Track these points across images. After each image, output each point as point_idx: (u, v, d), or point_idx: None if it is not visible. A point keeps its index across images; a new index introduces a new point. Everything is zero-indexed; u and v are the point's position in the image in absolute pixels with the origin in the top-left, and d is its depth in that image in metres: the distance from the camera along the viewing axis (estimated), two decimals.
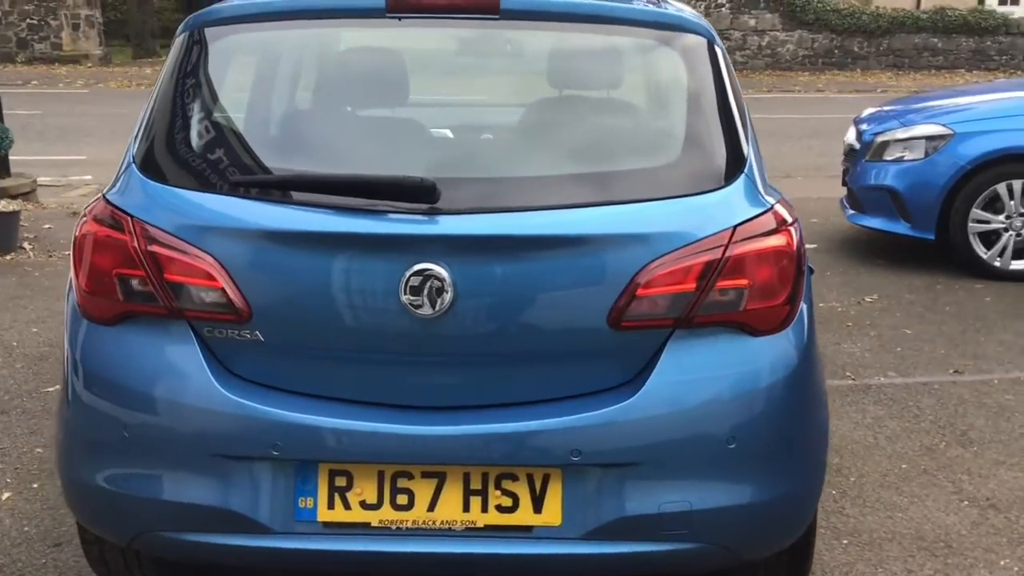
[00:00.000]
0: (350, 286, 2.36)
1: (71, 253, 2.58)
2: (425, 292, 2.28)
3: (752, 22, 23.11)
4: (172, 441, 2.41)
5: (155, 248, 2.39)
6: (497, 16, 2.52)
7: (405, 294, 2.29)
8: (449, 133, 2.93)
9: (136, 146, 2.57)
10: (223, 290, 2.35)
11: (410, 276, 2.29)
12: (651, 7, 2.73)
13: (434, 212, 2.32)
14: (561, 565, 2.40)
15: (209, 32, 2.65)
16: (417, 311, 2.29)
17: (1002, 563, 3.21)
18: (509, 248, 2.34)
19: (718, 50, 2.65)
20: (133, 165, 2.54)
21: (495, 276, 2.33)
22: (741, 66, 22.66)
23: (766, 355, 2.42)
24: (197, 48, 2.65)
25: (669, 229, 2.37)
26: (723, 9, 23.24)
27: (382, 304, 2.33)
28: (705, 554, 2.45)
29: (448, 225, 2.33)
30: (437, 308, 2.29)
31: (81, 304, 2.50)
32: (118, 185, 2.55)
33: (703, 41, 2.62)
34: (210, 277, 2.35)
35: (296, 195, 2.40)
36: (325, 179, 2.42)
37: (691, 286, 2.34)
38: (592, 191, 2.44)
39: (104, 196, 2.55)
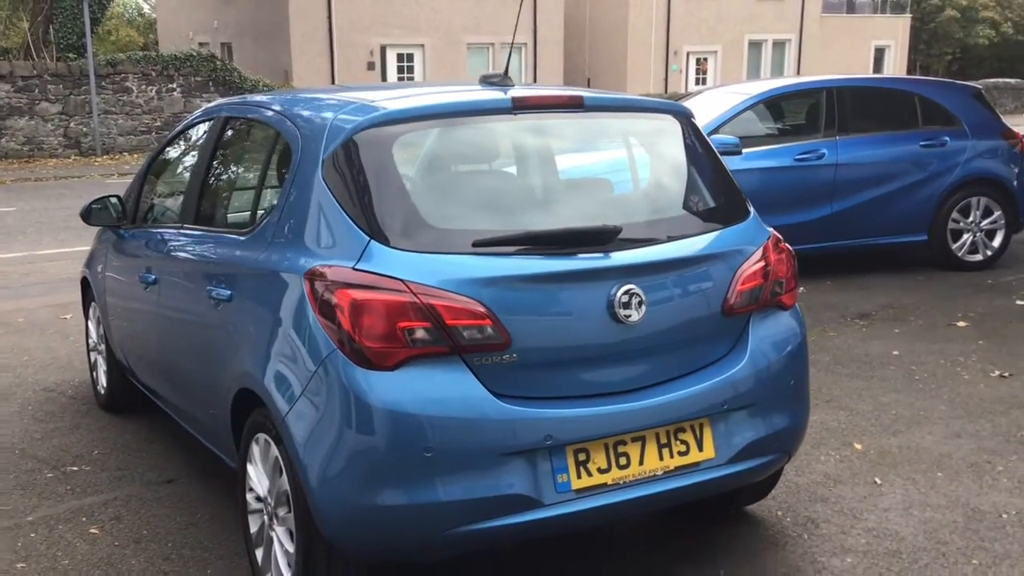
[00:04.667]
0: (576, 307, 3.19)
1: (323, 317, 3.04)
2: (633, 305, 3.22)
3: (205, 105, 23.89)
4: (466, 450, 3.02)
5: (434, 301, 3.01)
6: (582, 109, 3.55)
7: (619, 308, 3.20)
8: (602, 190, 3.82)
9: (373, 225, 3.12)
10: (492, 325, 3.06)
11: (620, 295, 3.20)
12: (663, 101, 3.88)
13: (621, 247, 3.27)
14: (717, 484, 3.44)
15: (389, 130, 3.28)
16: (628, 320, 3.21)
17: None
18: (667, 267, 3.36)
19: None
20: (374, 241, 3.09)
21: (663, 287, 3.34)
22: None
23: (794, 323, 3.70)
24: (379, 146, 3.26)
25: (743, 245, 3.56)
26: (175, 94, 23.70)
27: (601, 317, 3.20)
28: (782, 460, 3.65)
29: (635, 256, 3.29)
30: (640, 316, 3.23)
31: (359, 355, 2.98)
32: (364, 257, 3.07)
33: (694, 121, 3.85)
34: (482, 317, 3.04)
35: (527, 246, 3.18)
36: (544, 233, 3.24)
37: (760, 281, 3.55)
38: (691, 225, 3.55)
39: (355, 267, 3.06)
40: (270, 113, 3.87)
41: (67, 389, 6.14)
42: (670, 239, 3.44)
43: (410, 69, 33.33)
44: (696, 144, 3.77)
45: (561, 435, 3.12)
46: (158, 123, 23.74)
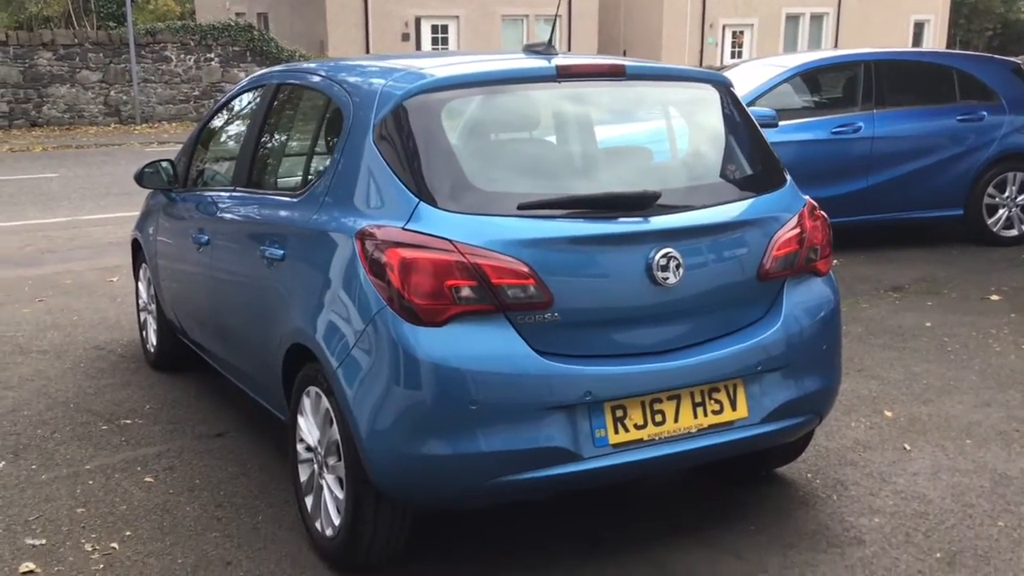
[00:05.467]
0: (616, 269, 3.31)
1: (373, 275, 3.19)
2: (671, 268, 3.33)
3: (242, 75, 24.09)
4: (509, 404, 3.16)
5: (480, 261, 3.14)
6: (624, 78, 3.66)
7: (656, 271, 3.31)
8: (642, 157, 3.94)
9: (422, 187, 3.25)
10: (535, 285, 3.18)
11: (658, 258, 3.32)
12: (703, 71, 3.97)
13: (660, 212, 3.39)
14: (749, 443, 3.56)
15: (437, 96, 3.41)
16: (666, 282, 3.33)
17: None
18: (704, 232, 3.47)
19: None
20: (423, 202, 3.23)
21: (700, 252, 3.45)
22: None
23: (827, 290, 3.80)
24: (428, 112, 3.39)
25: (779, 212, 3.66)
26: (213, 63, 23.94)
27: (639, 280, 3.32)
28: (813, 422, 3.77)
29: (673, 220, 3.40)
30: (677, 279, 3.35)
31: (408, 312, 3.12)
32: (413, 218, 3.21)
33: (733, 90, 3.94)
34: (525, 276, 3.17)
35: (569, 210, 3.31)
36: (586, 197, 3.37)
37: (796, 248, 3.65)
38: (728, 191, 3.66)
39: (405, 227, 3.20)
40: (321, 80, 4.00)
41: (116, 348, 6.34)
42: (708, 205, 3.55)
43: (444, 40, 33.40)
44: (735, 113, 3.87)
45: (600, 392, 3.25)
46: (196, 92, 23.99)
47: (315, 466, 3.65)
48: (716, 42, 37.93)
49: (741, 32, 38.50)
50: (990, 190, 8.97)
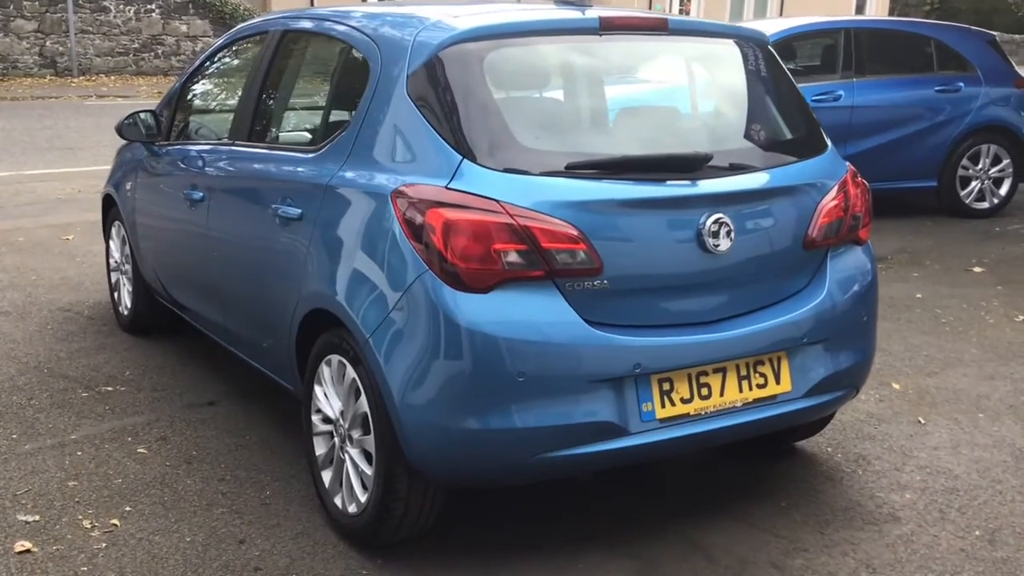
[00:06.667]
0: (666, 234, 3.14)
1: (412, 237, 2.97)
2: (722, 234, 3.16)
3: (184, 28, 23.37)
4: (558, 376, 2.98)
5: (529, 223, 2.94)
6: (666, 32, 3.47)
7: (708, 237, 3.14)
8: (686, 117, 3.74)
9: (464, 143, 3.03)
10: (585, 250, 2.99)
11: (710, 223, 3.15)
12: (746, 27, 3.78)
13: (710, 175, 3.22)
14: (793, 417, 3.43)
15: (476, 47, 3.18)
16: (716, 249, 3.16)
17: None
18: (755, 197, 3.31)
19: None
20: (466, 160, 3.01)
21: (750, 217, 3.29)
22: (178, 71, 22.85)
23: (867, 258, 3.67)
24: (467, 63, 3.16)
25: (824, 178, 3.51)
26: (153, 15, 23.15)
27: (689, 246, 3.15)
28: (850, 395, 3.65)
29: (725, 184, 3.24)
30: (728, 246, 3.18)
31: (452, 277, 2.91)
32: (456, 176, 2.99)
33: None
34: (576, 241, 2.98)
35: (619, 171, 3.11)
36: (639, 158, 3.18)
37: (841, 215, 3.51)
38: (774, 156, 3.50)
39: (448, 186, 2.98)
40: (342, 28, 3.73)
41: (83, 309, 6.02)
42: (755, 169, 3.39)
43: None
44: (777, 73, 3.70)
45: (649, 364, 3.08)
46: (136, 44, 23.14)
47: (335, 439, 3.43)
48: (664, 8, 37.77)
49: (688, 2, 38.37)
50: (964, 162, 8.96)
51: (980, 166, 9.02)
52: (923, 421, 4.50)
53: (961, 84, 8.85)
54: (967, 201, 9.06)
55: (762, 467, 4.04)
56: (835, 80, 8.66)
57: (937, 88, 8.81)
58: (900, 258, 7.63)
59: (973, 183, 9.05)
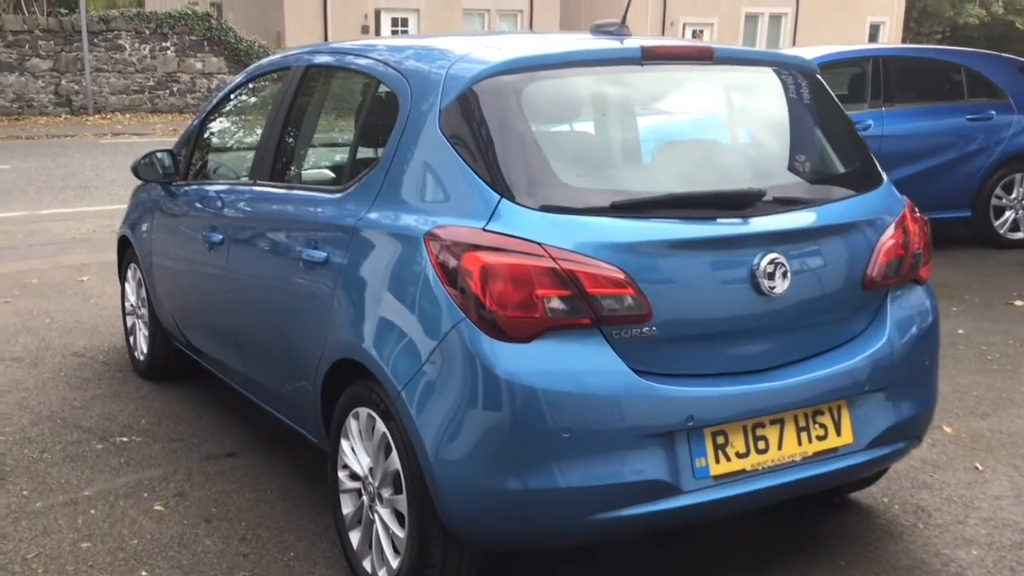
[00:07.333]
0: (718, 277, 2.93)
1: (447, 283, 2.76)
2: (777, 275, 2.95)
3: (199, 65, 23.39)
4: (606, 432, 2.76)
5: (573, 267, 2.73)
6: (711, 61, 3.27)
7: (762, 278, 2.93)
8: (734, 150, 3.53)
9: (501, 182, 2.83)
10: (633, 295, 2.78)
11: (764, 264, 2.93)
12: (792, 55, 3.58)
13: (762, 213, 3.01)
14: (854, 471, 3.20)
15: (513, 79, 2.99)
16: (772, 291, 2.95)
17: None
18: (811, 236, 3.10)
19: None
20: (504, 200, 2.81)
21: (806, 257, 3.07)
22: (193, 108, 22.87)
23: (928, 298, 3.45)
24: (504, 96, 2.97)
25: (882, 213, 3.30)
26: (168, 52, 23.18)
27: (743, 288, 2.94)
28: (913, 446, 3.41)
29: (778, 222, 3.03)
30: (784, 287, 2.96)
31: (491, 325, 2.70)
32: (494, 217, 2.79)
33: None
34: (623, 285, 2.77)
35: (667, 209, 2.91)
36: (687, 196, 2.97)
37: (901, 253, 3.29)
38: (828, 190, 3.29)
39: (485, 228, 2.78)
40: (367, 62, 3.55)
41: (98, 355, 5.83)
42: (809, 205, 3.18)
43: (404, 34, 32.84)
44: (828, 103, 3.51)
45: (703, 416, 2.86)
46: (151, 82, 23.20)
47: (364, 497, 3.21)
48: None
49: (701, 31, 38.36)
50: (997, 191, 8.73)
51: (1014, 195, 8.80)
52: (980, 467, 4.26)
53: (993, 112, 8.64)
54: (1001, 231, 8.82)
55: (813, 521, 3.80)
56: (864, 109, 8.46)
57: (968, 116, 8.60)
58: (938, 292, 7.36)
59: (1007, 213, 8.82)
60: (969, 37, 52.86)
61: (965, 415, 4.88)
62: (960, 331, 6.32)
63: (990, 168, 8.64)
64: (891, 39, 43.30)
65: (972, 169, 8.61)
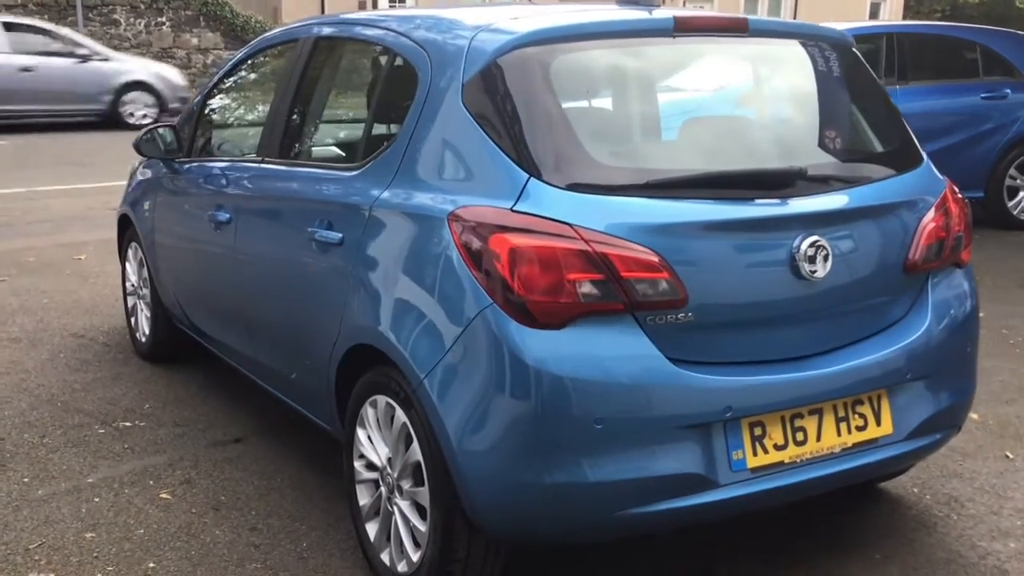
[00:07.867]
0: (756, 260, 2.79)
1: (473, 266, 2.62)
2: (819, 259, 2.81)
3: (195, 40, 23.10)
4: (641, 423, 2.62)
5: (606, 250, 2.58)
6: (746, 33, 3.11)
7: (803, 261, 2.78)
8: (770, 127, 3.37)
9: (529, 160, 2.68)
10: (668, 279, 2.64)
11: (805, 247, 2.79)
12: (830, 28, 3.42)
13: (802, 193, 2.86)
14: (894, 463, 3.08)
15: (539, 51, 2.83)
16: (813, 275, 2.80)
17: None
18: (852, 217, 2.95)
19: None
20: (533, 179, 2.65)
21: (847, 239, 2.93)
22: (189, 84, 22.57)
23: (969, 283, 3.32)
24: (531, 70, 2.81)
25: (923, 194, 3.15)
26: (164, 28, 22.89)
27: (782, 272, 2.79)
28: (951, 436, 3.28)
29: (819, 203, 2.88)
30: (825, 271, 2.82)
31: (520, 311, 2.56)
32: (523, 197, 2.63)
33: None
34: (658, 269, 2.62)
35: (704, 189, 2.76)
36: (725, 174, 2.82)
37: (943, 235, 3.15)
38: (868, 169, 3.14)
39: (513, 208, 2.63)
40: (381, 33, 3.39)
41: (98, 335, 5.68)
42: (849, 185, 3.03)
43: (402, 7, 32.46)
44: (867, 79, 3.35)
45: (741, 406, 2.72)
46: (147, 57, 22.88)
47: (382, 489, 3.08)
48: None
49: (701, 7, 38.05)
50: (1011, 171, 8.59)
51: None
52: (1011, 456, 4.13)
53: (1008, 91, 8.48)
54: (1015, 212, 8.68)
55: (847, 513, 3.66)
56: None
57: (983, 95, 8.45)
58: None
59: (1021, 193, 8.67)
60: (969, 16, 52.64)
61: (991, 400, 4.75)
62: (980, 314, 6.17)
63: (1004, 147, 8.49)
64: (891, 15, 43.02)
65: (986, 148, 8.46)
